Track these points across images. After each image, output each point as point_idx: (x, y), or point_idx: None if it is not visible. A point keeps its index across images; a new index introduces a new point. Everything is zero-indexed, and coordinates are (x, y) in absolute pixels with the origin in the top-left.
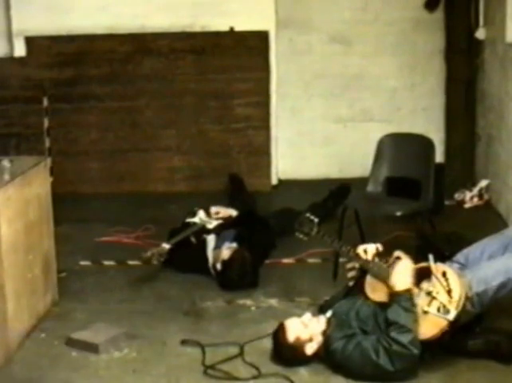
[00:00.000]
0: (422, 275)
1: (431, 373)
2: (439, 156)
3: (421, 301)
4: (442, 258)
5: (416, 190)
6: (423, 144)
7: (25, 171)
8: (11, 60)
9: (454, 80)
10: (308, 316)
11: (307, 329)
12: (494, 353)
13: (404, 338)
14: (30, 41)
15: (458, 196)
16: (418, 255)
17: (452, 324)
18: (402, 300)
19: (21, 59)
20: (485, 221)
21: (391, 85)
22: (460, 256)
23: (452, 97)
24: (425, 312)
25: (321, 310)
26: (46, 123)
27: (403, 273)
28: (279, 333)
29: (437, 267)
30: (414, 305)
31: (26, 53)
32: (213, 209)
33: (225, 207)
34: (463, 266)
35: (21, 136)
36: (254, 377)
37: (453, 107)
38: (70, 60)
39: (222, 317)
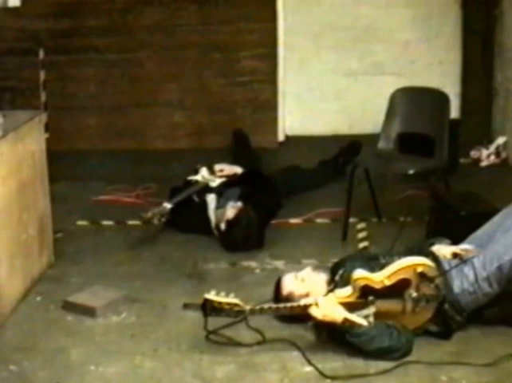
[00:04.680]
0: (401, 288)
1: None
2: (455, 112)
3: (409, 306)
4: (457, 218)
5: (430, 147)
6: (438, 98)
7: (19, 126)
8: (5, 10)
9: (471, 32)
10: (307, 271)
11: (304, 283)
12: (510, 321)
13: (385, 350)
14: None
15: (473, 154)
16: (431, 216)
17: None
18: (349, 336)
19: (15, 9)
20: (502, 180)
21: (405, 37)
22: (473, 239)
23: (469, 50)
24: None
25: (333, 270)
26: (42, 76)
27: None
28: (275, 288)
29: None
30: (358, 326)
31: (21, 2)
32: (217, 167)
33: (229, 164)
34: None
35: (15, 89)
36: (259, 343)
37: (469, 60)
38: (67, 10)
39: (225, 280)
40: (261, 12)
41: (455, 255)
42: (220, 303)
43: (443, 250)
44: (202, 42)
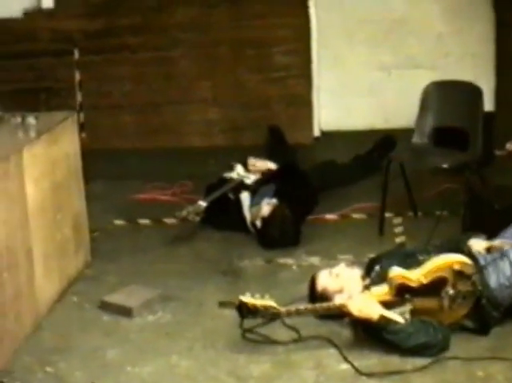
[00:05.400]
0: (437, 285)
1: None
2: (489, 104)
3: (445, 303)
4: (491, 212)
5: (464, 140)
6: (471, 91)
7: (52, 127)
8: (39, 12)
9: (504, 23)
10: (341, 266)
11: (338, 279)
12: None
13: (422, 346)
14: None
15: (509, 146)
16: (466, 210)
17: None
18: (385, 333)
19: (49, 11)
20: None
21: (438, 30)
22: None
23: (502, 42)
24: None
25: (369, 266)
26: (77, 76)
27: (365, 305)
28: (309, 285)
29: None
30: (394, 323)
31: (54, 4)
32: (250, 160)
33: (263, 159)
34: None
35: (51, 90)
36: (295, 341)
37: (503, 52)
38: (100, 10)
39: (261, 277)
40: (293, 7)
41: (489, 250)
42: (255, 306)
43: (477, 245)
44: (235, 39)
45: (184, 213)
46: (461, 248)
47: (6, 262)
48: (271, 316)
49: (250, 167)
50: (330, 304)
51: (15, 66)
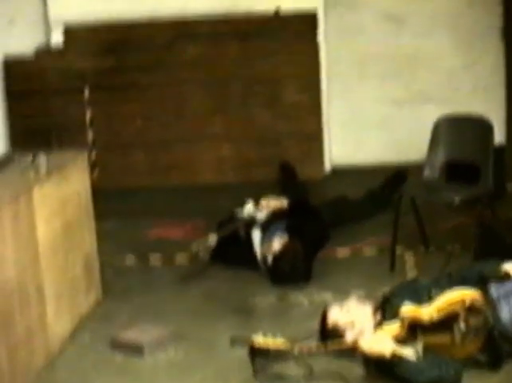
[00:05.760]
0: (449, 320)
1: None
2: (500, 137)
3: (457, 338)
4: (503, 246)
5: (476, 174)
6: (482, 125)
7: (62, 166)
8: (50, 50)
9: None
10: (352, 301)
11: (349, 314)
12: None
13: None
14: (69, 30)
15: None
16: (477, 244)
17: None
18: (397, 369)
19: (59, 49)
20: None
21: (448, 64)
22: None
23: None
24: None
25: (382, 301)
26: (88, 114)
27: (377, 341)
28: (320, 320)
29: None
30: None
31: (65, 42)
32: (263, 202)
33: (276, 196)
34: None
35: (62, 128)
36: (306, 377)
37: None
38: (110, 48)
39: (273, 314)
40: (303, 43)
41: None
42: (267, 346)
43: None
44: (245, 76)
45: (195, 248)
46: (486, 276)
47: (18, 302)
48: (283, 356)
49: (264, 208)
50: (342, 341)
51: (26, 105)
